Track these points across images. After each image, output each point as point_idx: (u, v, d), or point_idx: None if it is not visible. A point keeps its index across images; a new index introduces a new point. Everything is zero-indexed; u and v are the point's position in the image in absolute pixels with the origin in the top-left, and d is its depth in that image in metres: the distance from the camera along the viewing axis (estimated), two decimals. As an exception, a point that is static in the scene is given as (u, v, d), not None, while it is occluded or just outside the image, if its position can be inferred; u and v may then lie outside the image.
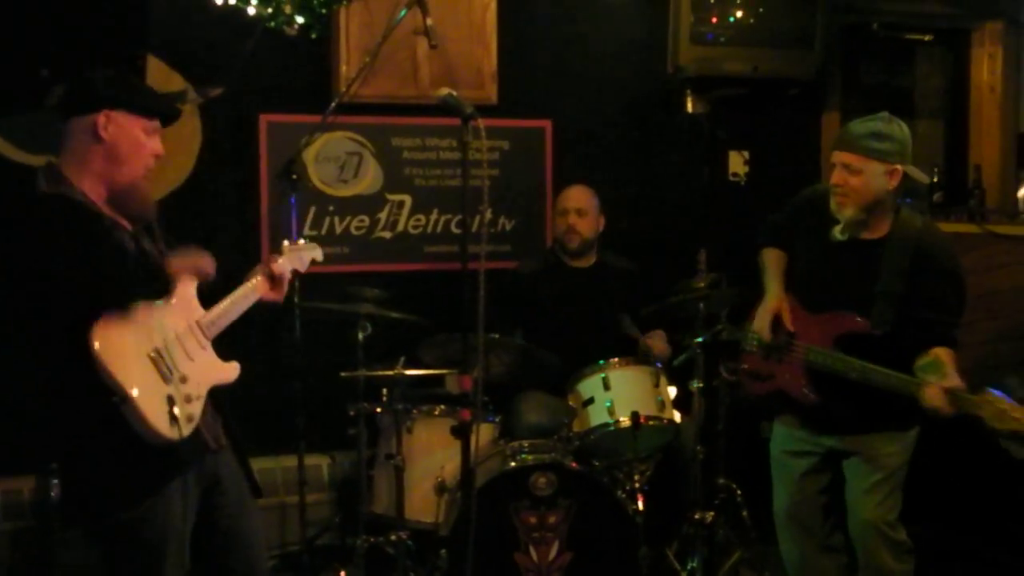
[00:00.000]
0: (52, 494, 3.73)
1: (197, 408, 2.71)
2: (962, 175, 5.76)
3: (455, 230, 4.90)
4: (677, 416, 4.06)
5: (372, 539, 4.03)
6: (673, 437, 4.09)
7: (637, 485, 3.92)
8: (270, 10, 4.28)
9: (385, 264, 4.81)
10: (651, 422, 3.91)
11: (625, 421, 3.88)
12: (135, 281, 2.62)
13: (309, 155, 4.60)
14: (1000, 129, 5.73)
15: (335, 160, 4.73)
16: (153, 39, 4.35)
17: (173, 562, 2.69)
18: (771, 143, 5.44)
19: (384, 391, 4.03)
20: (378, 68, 4.38)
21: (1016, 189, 5.67)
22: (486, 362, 3.97)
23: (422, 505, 3.97)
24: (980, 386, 3.08)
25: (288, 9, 4.28)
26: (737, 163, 5.41)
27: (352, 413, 3.98)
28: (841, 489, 3.57)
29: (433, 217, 4.90)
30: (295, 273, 3.17)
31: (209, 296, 2.85)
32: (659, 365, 4.15)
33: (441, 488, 3.92)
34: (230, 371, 2.86)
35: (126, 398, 2.51)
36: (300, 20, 4.33)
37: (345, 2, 4.44)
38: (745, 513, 4.46)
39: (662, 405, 4.00)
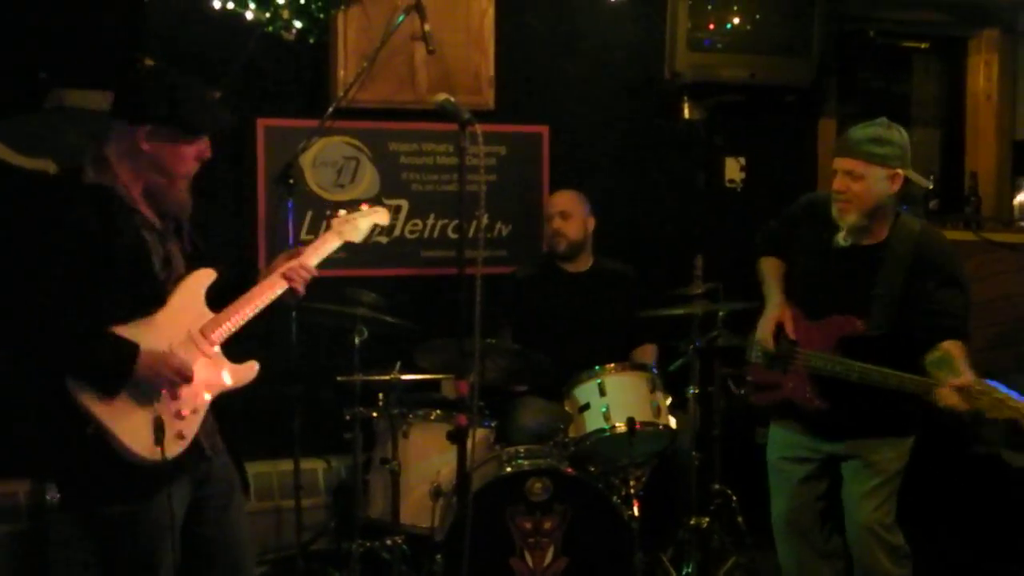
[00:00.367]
0: (48, 497, 3.74)
1: (191, 423, 2.68)
2: (958, 183, 5.77)
3: (452, 235, 4.89)
4: (673, 422, 4.05)
5: (367, 544, 4.01)
6: (669, 443, 4.09)
7: (632, 491, 3.91)
8: (268, 15, 4.29)
9: (382, 269, 4.79)
10: (647, 428, 3.91)
11: (621, 427, 3.88)
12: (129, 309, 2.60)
13: (306, 160, 4.59)
14: (996, 137, 5.73)
15: (332, 165, 4.72)
16: (151, 43, 4.34)
17: (166, 557, 2.69)
18: (768, 150, 5.44)
19: (380, 395, 4.03)
20: (376, 73, 4.38)
21: (1012, 197, 5.68)
22: (482, 367, 3.97)
23: (418, 510, 3.96)
24: (978, 379, 3.09)
25: (286, 14, 4.29)
26: (733, 169, 5.41)
27: (348, 417, 3.97)
28: (838, 495, 3.57)
29: (430, 222, 4.89)
30: (350, 245, 3.09)
31: (218, 298, 2.80)
32: (655, 371, 4.15)
33: (437, 493, 3.91)
34: (246, 372, 2.81)
35: (99, 428, 2.51)
36: (298, 25, 4.34)
37: (343, 7, 4.45)
38: (740, 519, 4.45)
39: (658, 411, 3.99)
